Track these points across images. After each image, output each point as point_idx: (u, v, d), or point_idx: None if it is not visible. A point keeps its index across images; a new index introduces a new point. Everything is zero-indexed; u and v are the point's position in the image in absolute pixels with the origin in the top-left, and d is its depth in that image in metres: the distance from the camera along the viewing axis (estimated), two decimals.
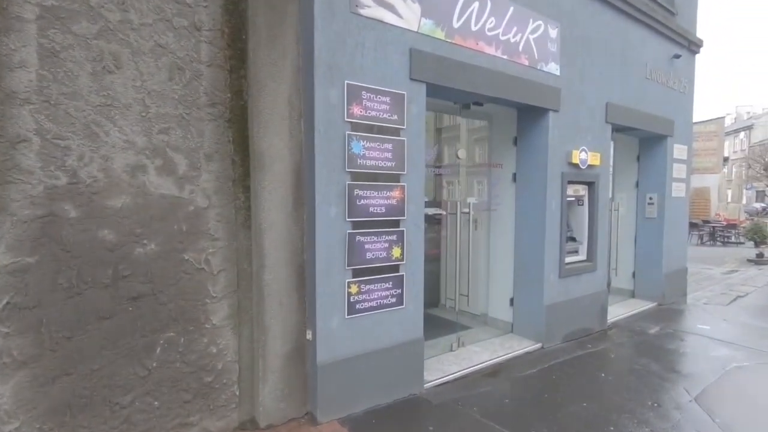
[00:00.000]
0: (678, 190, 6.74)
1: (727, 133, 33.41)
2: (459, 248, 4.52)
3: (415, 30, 3.43)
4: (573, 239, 5.20)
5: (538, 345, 4.61)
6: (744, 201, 36.97)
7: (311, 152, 3.03)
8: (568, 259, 4.92)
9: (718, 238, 17.01)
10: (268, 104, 2.94)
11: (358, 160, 3.17)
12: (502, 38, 4.04)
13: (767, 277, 9.58)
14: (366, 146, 3.19)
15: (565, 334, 4.85)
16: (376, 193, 3.26)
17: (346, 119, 3.10)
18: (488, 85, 3.95)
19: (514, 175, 4.87)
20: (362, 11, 3.13)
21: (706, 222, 17.78)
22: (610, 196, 5.82)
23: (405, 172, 3.41)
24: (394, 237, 3.38)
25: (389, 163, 3.33)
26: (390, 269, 3.38)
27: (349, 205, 3.14)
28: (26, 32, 2.24)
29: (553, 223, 4.65)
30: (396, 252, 3.39)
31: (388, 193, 3.33)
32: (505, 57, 4.08)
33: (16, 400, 2.27)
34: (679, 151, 6.69)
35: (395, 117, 3.33)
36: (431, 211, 5.36)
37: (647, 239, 6.65)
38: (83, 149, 2.41)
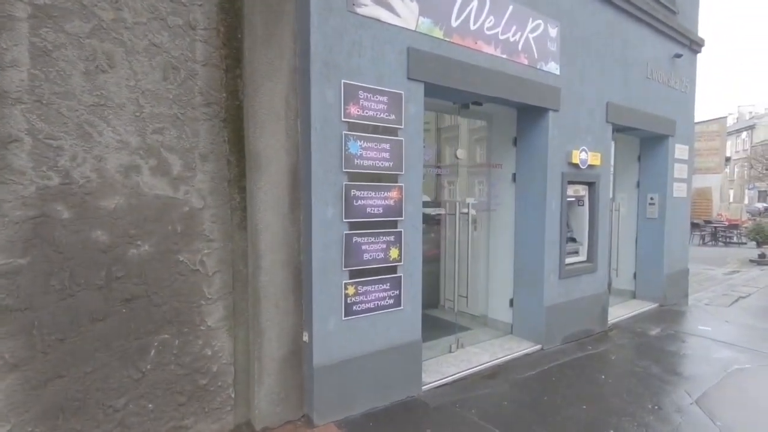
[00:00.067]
0: (679, 190, 6.70)
1: (729, 133, 33.32)
2: (458, 249, 4.49)
3: (413, 29, 3.40)
4: (573, 240, 5.17)
5: (538, 346, 4.58)
6: (746, 201, 36.85)
7: (308, 152, 3.00)
8: (568, 260, 4.89)
9: (720, 239, 16.95)
10: (264, 104, 2.91)
11: (355, 161, 3.13)
12: (502, 37, 4.01)
13: None
14: (363, 146, 3.16)
15: (565, 335, 4.81)
16: (373, 194, 3.23)
17: (343, 119, 3.07)
18: (487, 84, 3.92)
19: (514, 175, 4.84)
20: (359, 10, 3.10)
21: (708, 222, 17.72)
22: (611, 196, 5.78)
23: (403, 173, 3.38)
24: (391, 238, 3.34)
25: (387, 164, 3.29)
26: (387, 270, 3.35)
27: (346, 206, 3.10)
28: (18, 31, 2.21)
29: (553, 223, 4.62)
30: (393, 253, 3.36)
31: (385, 194, 3.30)
32: (504, 56, 4.05)
33: (7, 403, 2.24)
34: (680, 151, 6.64)
35: (393, 117, 3.30)
36: (433, 211, 5.34)
37: (648, 240, 6.61)
38: (76, 149, 2.38)
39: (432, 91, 3.64)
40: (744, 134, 42.55)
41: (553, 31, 4.45)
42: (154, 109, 2.63)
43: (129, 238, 2.56)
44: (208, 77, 2.82)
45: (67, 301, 2.38)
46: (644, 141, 6.58)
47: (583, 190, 5.11)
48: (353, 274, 3.18)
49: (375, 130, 3.22)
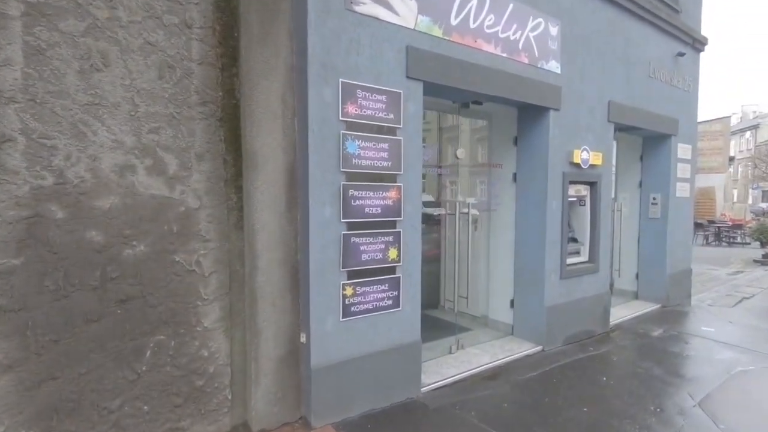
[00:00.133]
0: (682, 190, 6.64)
1: (733, 133, 33.11)
2: (458, 249, 4.45)
3: (412, 27, 3.37)
4: (575, 240, 5.12)
5: (539, 347, 4.54)
6: (750, 201, 36.62)
7: (305, 152, 2.97)
8: (569, 260, 4.85)
9: (724, 239, 16.84)
10: (260, 103, 2.89)
11: (353, 160, 3.11)
12: (502, 36, 3.97)
13: None
14: (361, 146, 3.14)
15: (566, 336, 4.77)
16: (371, 194, 3.20)
17: (340, 118, 3.04)
18: (487, 83, 3.88)
19: (515, 175, 4.80)
20: (357, 8, 3.07)
21: (712, 222, 17.61)
22: (613, 196, 5.73)
23: (401, 172, 3.35)
24: (390, 238, 3.31)
25: (385, 163, 3.26)
26: (386, 271, 3.32)
27: (344, 206, 3.08)
28: (11, 29, 2.19)
29: (554, 223, 4.58)
30: (392, 253, 3.33)
31: (384, 194, 3.27)
32: (504, 55, 4.01)
33: (1, 405, 2.22)
34: (683, 150, 6.59)
35: (391, 116, 3.27)
36: (435, 211, 5.31)
37: (651, 240, 6.55)
38: (70, 149, 2.36)
39: (431, 90, 3.61)
40: (748, 134, 42.31)
41: (554, 30, 4.41)
42: (150, 108, 2.61)
43: (124, 238, 2.54)
44: (204, 76, 2.80)
45: (62, 301, 2.36)
46: (647, 140, 6.53)
47: (584, 190, 5.07)
48: (351, 275, 3.15)
49: (373, 129, 3.19)
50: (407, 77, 3.35)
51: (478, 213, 5.05)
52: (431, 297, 5.40)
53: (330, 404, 3.09)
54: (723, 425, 3.18)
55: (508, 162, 4.87)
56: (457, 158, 4.73)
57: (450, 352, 4.33)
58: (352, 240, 3.13)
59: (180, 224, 2.73)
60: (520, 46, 4.13)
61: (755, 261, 12.01)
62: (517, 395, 3.62)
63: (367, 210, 3.19)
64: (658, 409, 3.40)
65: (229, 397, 2.96)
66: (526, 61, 4.19)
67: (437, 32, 3.52)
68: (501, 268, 4.97)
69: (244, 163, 2.92)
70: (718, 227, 17.11)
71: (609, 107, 5.11)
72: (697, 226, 15.19)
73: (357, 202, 3.13)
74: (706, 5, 9.88)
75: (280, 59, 2.95)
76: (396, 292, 3.37)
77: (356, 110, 3.10)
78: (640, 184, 6.66)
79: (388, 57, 3.25)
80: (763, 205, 32.64)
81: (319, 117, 2.96)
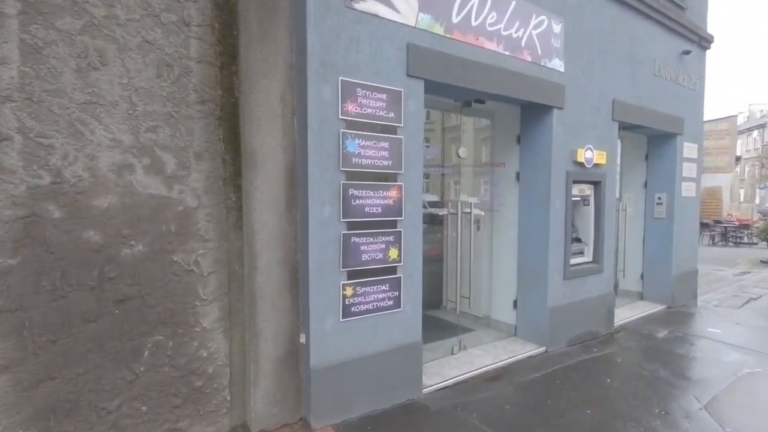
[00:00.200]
0: (688, 189, 6.57)
1: (740, 132, 32.84)
2: (461, 249, 4.41)
3: (413, 25, 3.33)
4: (578, 240, 5.07)
5: (542, 348, 4.49)
6: (757, 201, 36.27)
7: (304, 151, 2.94)
8: (573, 261, 4.79)
9: (730, 239, 16.68)
10: (260, 101, 2.87)
11: (353, 159, 3.08)
12: (504, 33, 3.93)
13: None
14: (361, 145, 3.10)
15: (570, 337, 4.72)
16: (372, 193, 3.17)
17: (340, 117, 3.01)
18: (489, 81, 3.84)
19: (518, 174, 4.75)
20: (357, 5, 3.04)
21: (718, 222, 17.45)
22: (618, 195, 5.67)
23: (402, 171, 3.32)
24: (390, 238, 3.28)
25: (386, 162, 3.23)
26: (387, 271, 3.29)
27: (344, 205, 3.05)
28: (7, 28, 2.18)
29: (557, 223, 4.53)
30: (393, 253, 3.30)
31: (384, 193, 3.23)
32: (507, 53, 3.97)
33: None
34: (689, 149, 6.51)
35: (392, 114, 3.24)
36: (440, 211, 5.27)
37: (656, 240, 6.48)
38: (67, 148, 2.35)
39: (433, 88, 3.57)
40: (755, 133, 41.90)
41: (557, 27, 4.36)
42: (148, 106, 2.59)
43: (122, 237, 2.52)
44: (203, 74, 2.78)
45: (59, 301, 2.35)
46: (652, 139, 6.46)
47: (588, 190, 5.02)
48: (351, 275, 3.12)
49: (373, 128, 3.16)
50: (408, 75, 3.32)
51: (481, 213, 5.02)
52: (434, 297, 5.37)
53: (330, 405, 3.06)
54: (729, 428, 3.12)
55: (511, 161, 4.82)
56: (460, 157, 4.69)
57: (452, 353, 4.29)
58: (352, 240, 3.10)
59: (178, 224, 2.71)
60: (523, 43, 4.09)
61: (762, 261, 11.87)
62: (519, 397, 3.58)
63: (367, 209, 3.16)
64: (664, 412, 3.35)
65: (228, 398, 2.94)
66: (528, 59, 4.15)
67: (438, 30, 3.48)
68: (504, 268, 4.92)
69: (243, 162, 2.89)
70: (725, 227, 16.95)
71: (613, 106, 5.05)
72: (703, 226, 15.05)
73: (357, 201, 3.10)
74: (713, 3, 9.79)
75: (279, 57, 2.92)
76: (397, 293, 3.34)
77: (356, 109, 3.07)
78: (645, 184, 6.59)
79: (388, 55, 3.22)
80: None
81: (319, 115, 2.93)
